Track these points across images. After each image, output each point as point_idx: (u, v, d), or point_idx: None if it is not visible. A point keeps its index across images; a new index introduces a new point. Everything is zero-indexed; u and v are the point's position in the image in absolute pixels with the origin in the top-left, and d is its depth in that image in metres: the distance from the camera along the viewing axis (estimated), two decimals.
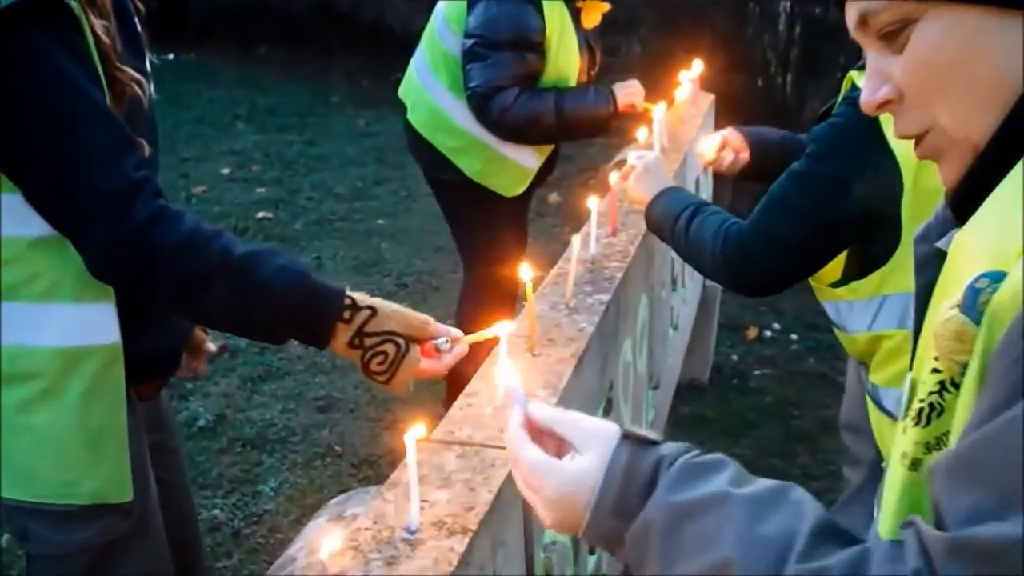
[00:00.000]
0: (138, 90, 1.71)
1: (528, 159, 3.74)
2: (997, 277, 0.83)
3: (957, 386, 0.88)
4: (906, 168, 1.92)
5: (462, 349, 1.77)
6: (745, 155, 2.78)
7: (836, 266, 2.17)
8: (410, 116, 3.82)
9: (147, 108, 1.80)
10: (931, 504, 0.84)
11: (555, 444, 1.12)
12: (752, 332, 5.31)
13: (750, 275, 2.16)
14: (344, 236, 6.52)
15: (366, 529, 1.34)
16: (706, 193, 4.35)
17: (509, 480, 1.47)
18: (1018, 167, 0.89)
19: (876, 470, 2.33)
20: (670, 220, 2.35)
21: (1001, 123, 0.93)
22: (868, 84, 1.03)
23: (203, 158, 8.04)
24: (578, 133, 3.79)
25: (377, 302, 1.71)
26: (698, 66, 4.11)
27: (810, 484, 3.62)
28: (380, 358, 1.68)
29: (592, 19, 3.69)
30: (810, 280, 2.24)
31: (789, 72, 7.12)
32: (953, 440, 0.89)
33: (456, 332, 1.77)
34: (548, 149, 3.82)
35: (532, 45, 3.49)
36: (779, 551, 0.87)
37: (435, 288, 5.69)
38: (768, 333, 5.33)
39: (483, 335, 1.72)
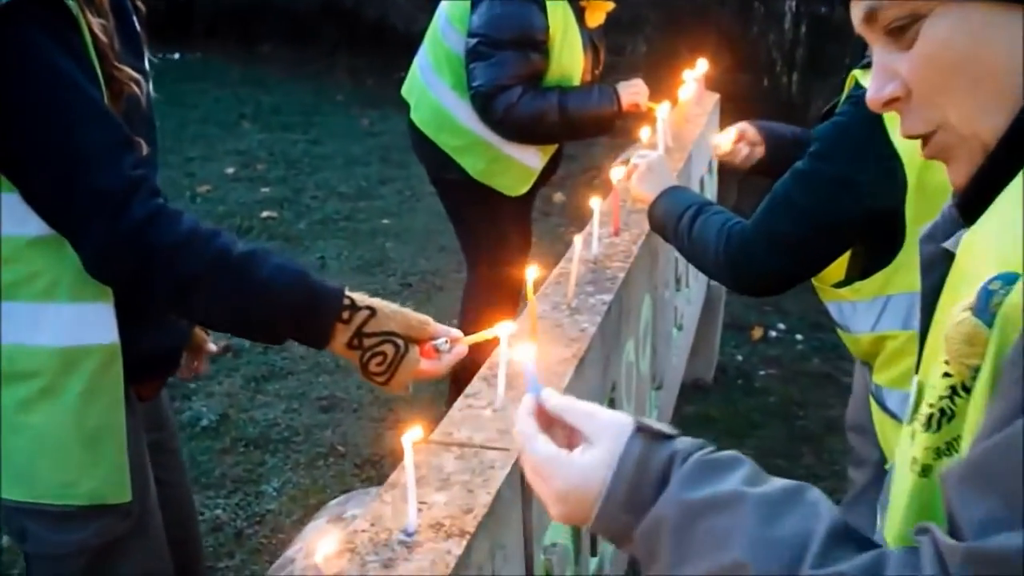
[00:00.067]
0: (136, 89, 1.70)
1: (532, 158, 3.73)
2: (1010, 279, 0.81)
3: (968, 390, 0.87)
4: (910, 167, 1.91)
5: (461, 350, 1.76)
6: (760, 149, 2.77)
7: (840, 266, 2.16)
8: (413, 115, 3.81)
9: (145, 107, 1.79)
10: (945, 511, 0.82)
11: (566, 433, 1.10)
12: (757, 332, 5.30)
13: (753, 275, 2.15)
14: (348, 235, 6.51)
15: (363, 531, 1.33)
16: (710, 192, 4.34)
17: (508, 482, 1.47)
18: None
19: (881, 471, 2.32)
20: (673, 219, 2.33)
21: (1012, 121, 0.91)
22: (874, 81, 1.00)
23: (208, 157, 8.03)
24: (582, 132, 3.79)
25: (376, 302, 1.70)
26: (702, 65, 4.10)
27: (815, 484, 3.60)
28: (379, 359, 1.67)
29: (596, 18, 3.68)
30: (813, 280, 2.23)
31: (795, 71, 7.11)
32: (965, 446, 0.87)
33: (456, 333, 1.76)
34: (552, 148, 3.81)
35: (536, 44, 3.48)
36: (794, 554, 0.86)
37: (439, 288, 5.68)
38: (773, 333, 5.33)
39: (483, 336, 1.71)
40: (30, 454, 1.73)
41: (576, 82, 3.63)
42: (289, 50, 11.65)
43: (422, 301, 5.40)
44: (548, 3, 3.45)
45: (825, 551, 0.85)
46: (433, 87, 3.72)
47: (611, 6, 3.70)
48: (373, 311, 1.67)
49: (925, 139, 1.00)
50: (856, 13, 1.01)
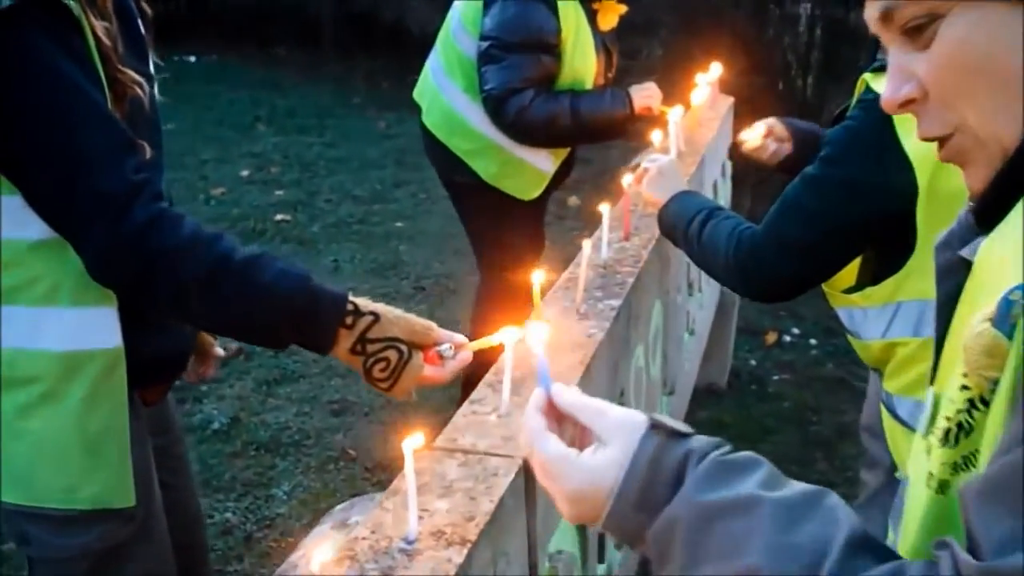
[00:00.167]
0: (140, 92, 1.69)
1: (544, 162, 3.72)
2: None
3: (987, 403, 0.84)
4: (920, 171, 1.89)
5: (466, 356, 1.75)
6: (787, 146, 2.77)
7: (850, 272, 2.14)
8: (425, 119, 3.80)
9: (149, 110, 1.78)
10: (963, 527, 0.80)
11: (577, 429, 1.07)
12: (771, 337, 5.28)
13: (763, 280, 2.13)
14: (362, 239, 6.52)
15: (364, 538, 1.31)
16: (724, 197, 4.32)
17: (512, 489, 1.45)
18: None
19: (893, 475, 2.30)
20: (683, 224, 2.32)
21: None
22: (890, 82, 0.97)
23: (223, 160, 8.06)
24: (594, 136, 3.77)
25: (380, 308, 1.69)
26: (716, 69, 4.08)
27: None
28: (382, 364, 1.66)
29: (608, 21, 3.66)
30: (824, 286, 2.21)
31: (810, 74, 7.09)
32: (983, 461, 0.85)
33: (460, 338, 1.75)
34: (564, 152, 3.80)
35: (547, 47, 3.47)
36: (811, 560, 0.83)
37: (452, 291, 5.68)
38: (787, 338, 5.31)
39: (487, 342, 1.69)
40: (30, 459, 1.72)
41: (588, 85, 3.62)
42: (305, 53, 11.69)
43: (435, 305, 5.40)
44: (560, 6, 3.44)
45: (843, 559, 0.82)
46: (445, 90, 3.71)
47: (624, 9, 3.68)
48: (377, 316, 1.66)
49: (941, 142, 0.97)
50: (872, 13, 0.97)
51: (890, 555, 0.85)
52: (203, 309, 1.63)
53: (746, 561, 0.87)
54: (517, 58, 3.43)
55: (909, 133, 1.86)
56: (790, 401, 4.67)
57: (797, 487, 0.92)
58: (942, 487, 0.92)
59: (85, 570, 1.82)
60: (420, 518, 1.33)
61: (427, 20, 8.66)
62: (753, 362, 5.07)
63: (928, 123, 0.96)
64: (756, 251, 2.10)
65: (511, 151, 3.64)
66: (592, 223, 2.44)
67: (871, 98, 1.93)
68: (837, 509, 0.89)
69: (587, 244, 2.19)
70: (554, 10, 3.43)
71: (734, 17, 7.17)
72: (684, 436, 0.99)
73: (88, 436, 1.72)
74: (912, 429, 2.04)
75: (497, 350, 1.68)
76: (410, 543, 1.30)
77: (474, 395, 1.73)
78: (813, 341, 5.22)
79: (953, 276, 0.97)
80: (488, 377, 1.80)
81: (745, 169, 4.83)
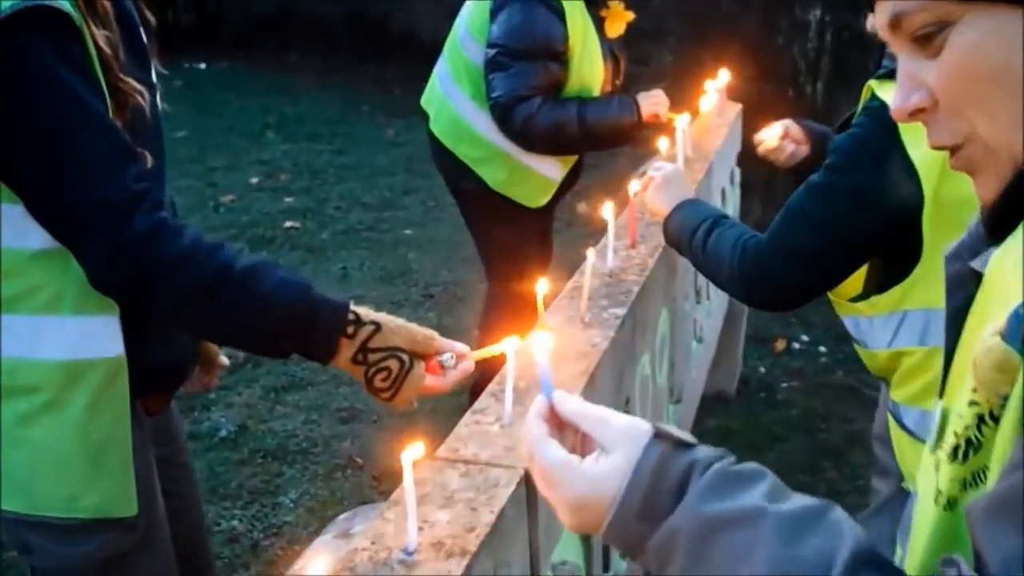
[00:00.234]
0: (141, 101, 1.69)
1: (551, 169, 3.72)
2: None
3: (996, 419, 0.83)
4: (926, 179, 1.88)
5: (468, 366, 1.74)
6: (804, 148, 2.76)
7: (856, 280, 2.13)
8: (433, 126, 3.80)
9: (151, 119, 1.78)
10: (971, 545, 0.79)
11: (578, 437, 1.06)
12: (780, 344, 5.26)
13: (768, 289, 2.11)
14: (371, 246, 6.51)
15: (363, 549, 1.31)
16: (732, 205, 4.30)
17: (513, 500, 1.44)
18: None
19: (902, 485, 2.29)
20: (687, 233, 2.31)
21: None
22: (900, 91, 0.95)
23: (232, 167, 8.06)
24: (601, 143, 3.77)
25: (381, 317, 1.68)
26: (724, 75, 4.07)
27: (837, 499, 3.56)
28: (384, 374, 1.66)
29: (616, 28, 3.65)
30: (830, 295, 2.20)
31: (819, 81, 7.06)
32: (992, 477, 0.84)
33: (462, 348, 1.74)
34: (572, 159, 3.79)
35: (555, 54, 3.46)
36: (815, 574, 0.82)
37: (461, 299, 5.67)
38: (796, 345, 5.28)
39: (489, 351, 1.69)
40: (31, 467, 1.72)
41: (596, 93, 3.61)
42: (316, 60, 11.68)
43: (444, 312, 5.40)
44: (567, 13, 3.43)
45: (848, 573, 0.81)
46: (452, 97, 3.71)
47: (631, 16, 3.67)
48: (378, 326, 1.66)
49: (952, 151, 0.95)
50: (881, 19, 0.95)
51: (895, 572, 0.84)
52: (203, 318, 1.62)
53: (749, 573, 0.86)
54: (524, 65, 3.43)
55: (915, 141, 1.85)
56: (799, 409, 4.64)
57: (802, 500, 0.91)
58: (950, 504, 0.91)
59: None
60: (420, 529, 1.33)
61: (438, 28, 8.63)
62: (762, 369, 5.05)
63: (938, 132, 0.94)
64: (761, 260, 2.09)
65: (518, 158, 3.63)
66: (600, 230, 2.43)
67: (876, 105, 1.92)
68: (842, 523, 0.87)
69: (591, 253, 2.19)
70: (561, 17, 3.43)
71: (743, 24, 7.15)
72: (689, 446, 0.98)
73: (90, 445, 1.72)
74: (918, 438, 2.03)
75: (503, 359, 1.67)
76: (409, 554, 1.29)
77: (477, 405, 1.73)
78: (823, 349, 5.20)
79: (963, 288, 0.96)
80: (491, 387, 1.79)
81: (754, 176, 4.82)
